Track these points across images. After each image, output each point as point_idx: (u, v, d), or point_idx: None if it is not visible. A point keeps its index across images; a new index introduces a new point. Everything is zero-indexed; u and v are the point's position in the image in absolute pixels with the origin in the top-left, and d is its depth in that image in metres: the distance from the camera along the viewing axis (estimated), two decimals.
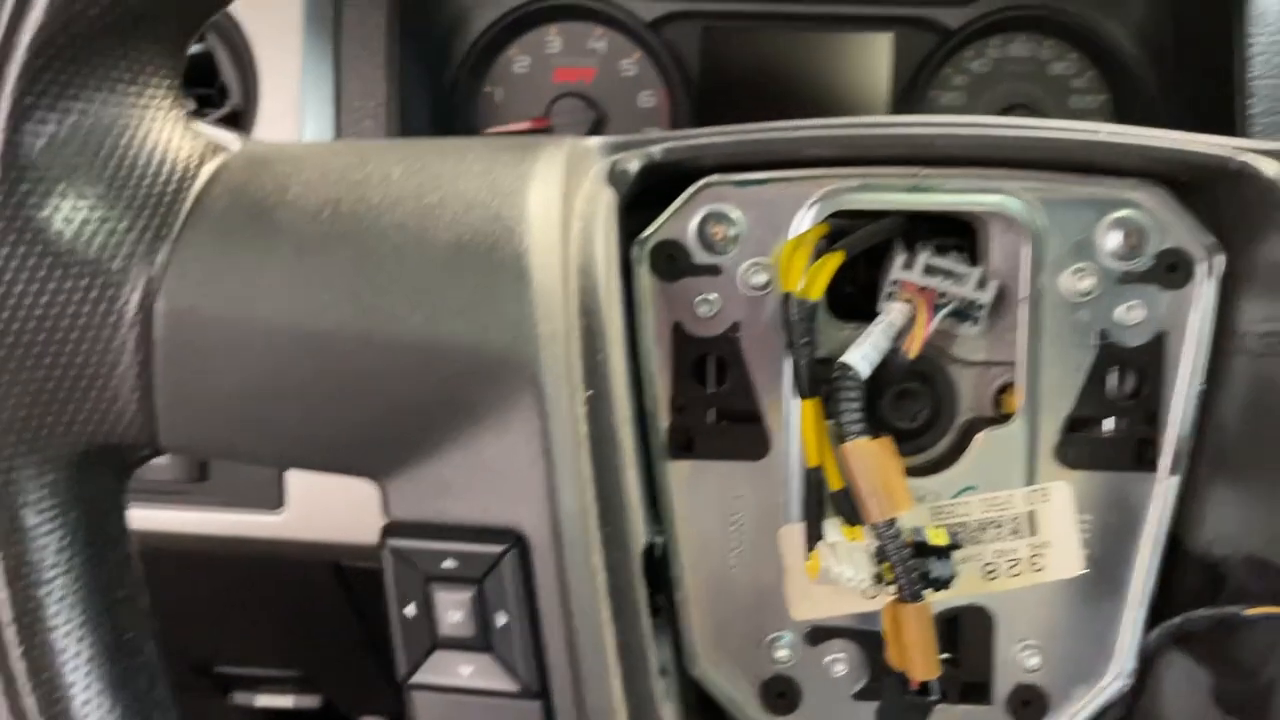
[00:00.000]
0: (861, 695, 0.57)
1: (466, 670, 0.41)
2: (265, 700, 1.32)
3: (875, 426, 0.57)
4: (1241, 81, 0.89)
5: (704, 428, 0.56)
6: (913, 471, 0.57)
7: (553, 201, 0.42)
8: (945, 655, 0.57)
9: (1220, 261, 0.52)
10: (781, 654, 0.57)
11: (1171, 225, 0.52)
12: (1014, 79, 1.05)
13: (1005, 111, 1.03)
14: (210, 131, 0.45)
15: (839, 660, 0.57)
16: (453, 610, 0.40)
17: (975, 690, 0.57)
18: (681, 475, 0.56)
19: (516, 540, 0.40)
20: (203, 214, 0.42)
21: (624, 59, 1.05)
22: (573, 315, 0.42)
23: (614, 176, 0.49)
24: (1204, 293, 0.52)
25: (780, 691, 0.57)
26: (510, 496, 0.40)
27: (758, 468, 0.56)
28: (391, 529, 0.41)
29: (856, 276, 0.58)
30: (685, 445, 0.56)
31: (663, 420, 0.55)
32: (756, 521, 0.56)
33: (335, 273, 0.40)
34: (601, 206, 0.45)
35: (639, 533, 0.47)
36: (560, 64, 1.06)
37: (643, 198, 0.54)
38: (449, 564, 0.40)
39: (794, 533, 0.54)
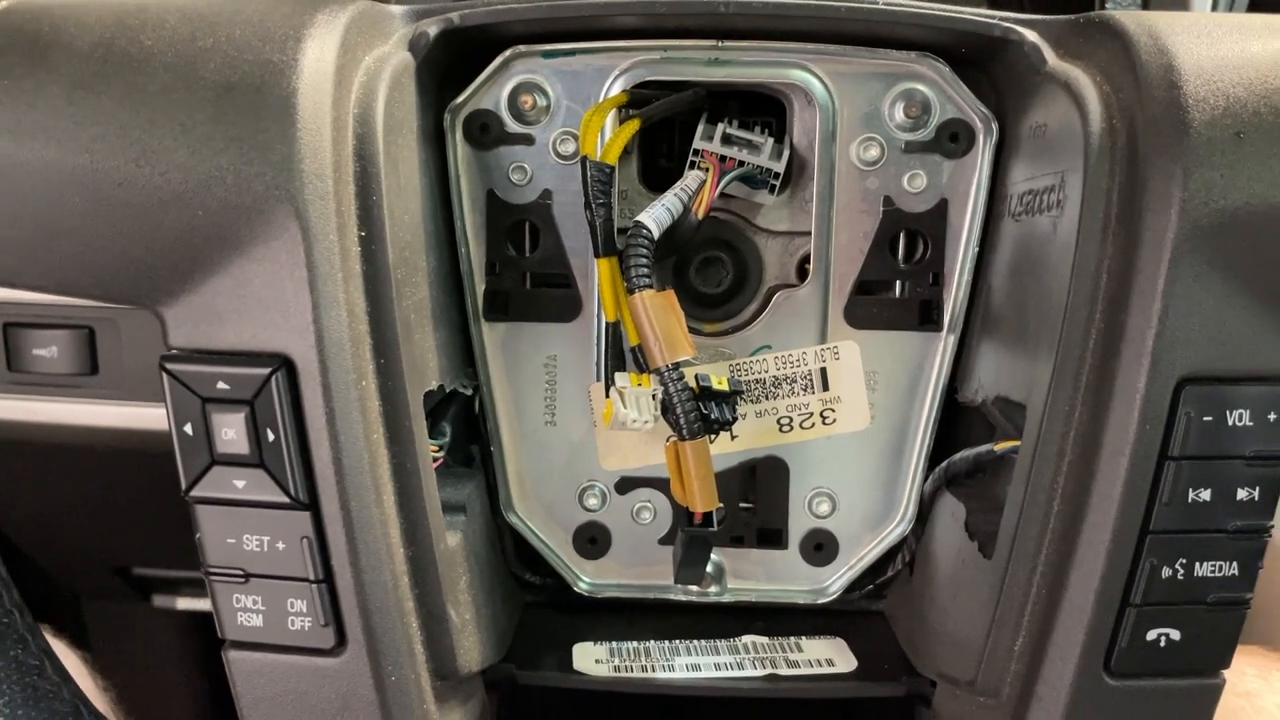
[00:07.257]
0: (667, 539, 0.61)
1: (240, 483, 0.44)
2: (186, 603, 1.35)
3: (683, 291, 0.60)
4: None
5: (518, 291, 0.59)
6: (721, 334, 0.60)
7: (328, 53, 0.45)
8: (744, 504, 0.61)
9: (995, 130, 0.55)
10: (592, 502, 0.61)
11: (952, 97, 0.55)
12: None
13: None
14: None
15: (646, 508, 0.61)
16: (227, 429, 0.44)
17: (771, 536, 0.61)
18: (497, 335, 0.59)
19: (284, 363, 0.43)
20: None
21: None
22: (346, 159, 0.45)
23: (413, 41, 0.51)
24: (981, 161, 0.56)
25: (591, 537, 0.61)
26: (277, 323, 0.43)
27: (570, 329, 0.59)
28: (170, 356, 0.44)
29: (673, 152, 0.61)
30: (500, 307, 0.59)
31: (479, 283, 0.58)
32: (570, 379, 0.60)
33: (105, 110, 0.42)
34: (390, 65, 0.48)
35: (425, 371, 0.50)
36: None
37: (467, 74, 0.56)
38: (222, 386, 0.43)
39: (602, 389, 0.58)
